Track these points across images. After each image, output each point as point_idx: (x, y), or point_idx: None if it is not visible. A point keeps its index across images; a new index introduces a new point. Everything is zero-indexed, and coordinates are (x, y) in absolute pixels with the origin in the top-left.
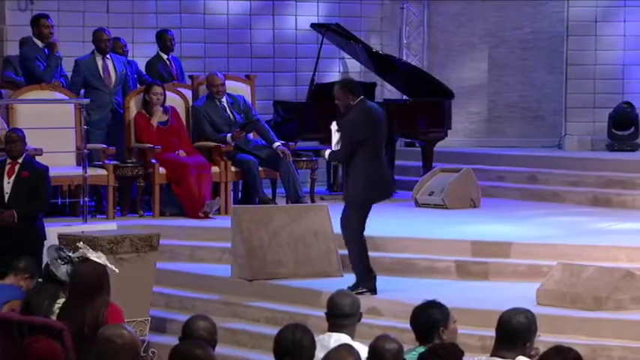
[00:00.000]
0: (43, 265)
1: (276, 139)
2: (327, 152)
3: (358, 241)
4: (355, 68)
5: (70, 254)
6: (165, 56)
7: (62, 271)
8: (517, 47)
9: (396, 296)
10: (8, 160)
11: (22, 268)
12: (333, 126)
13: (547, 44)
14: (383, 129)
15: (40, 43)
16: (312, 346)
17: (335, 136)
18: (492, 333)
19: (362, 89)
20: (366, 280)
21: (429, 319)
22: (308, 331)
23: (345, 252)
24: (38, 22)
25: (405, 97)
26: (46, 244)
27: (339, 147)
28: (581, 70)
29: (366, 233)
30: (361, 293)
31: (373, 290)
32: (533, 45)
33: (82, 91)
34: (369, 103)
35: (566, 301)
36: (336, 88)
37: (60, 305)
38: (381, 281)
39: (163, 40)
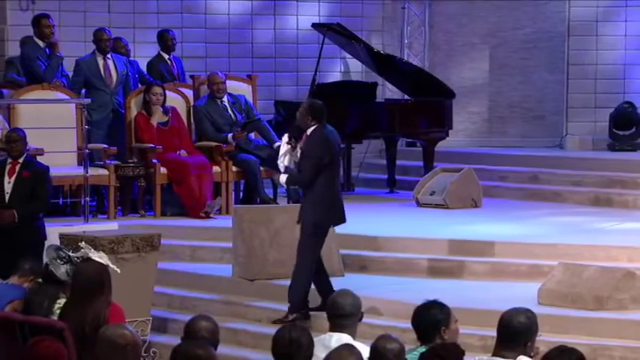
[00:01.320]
0: (43, 265)
1: (277, 139)
2: (283, 177)
3: (310, 270)
4: (356, 68)
5: (69, 254)
6: (166, 56)
7: (61, 271)
8: (518, 47)
9: (397, 296)
10: (9, 160)
11: (27, 270)
12: (285, 137)
13: (548, 44)
14: (340, 154)
15: (41, 43)
16: (310, 345)
17: (284, 147)
18: (493, 333)
19: (325, 115)
20: (299, 309)
21: (431, 319)
22: (305, 331)
23: (345, 251)
24: (39, 22)
25: (406, 96)
26: (47, 244)
27: (285, 159)
28: (583, 69)
29: (367, 233)
30: (292, 320)
31: (307, 315)
32: (534, 45)
33: (83, 91)
34: (328, 129)
35: (567, 300)
36: (303, 105)
37: (60, 305)
38: (382, 281)
39: (164, 39)
